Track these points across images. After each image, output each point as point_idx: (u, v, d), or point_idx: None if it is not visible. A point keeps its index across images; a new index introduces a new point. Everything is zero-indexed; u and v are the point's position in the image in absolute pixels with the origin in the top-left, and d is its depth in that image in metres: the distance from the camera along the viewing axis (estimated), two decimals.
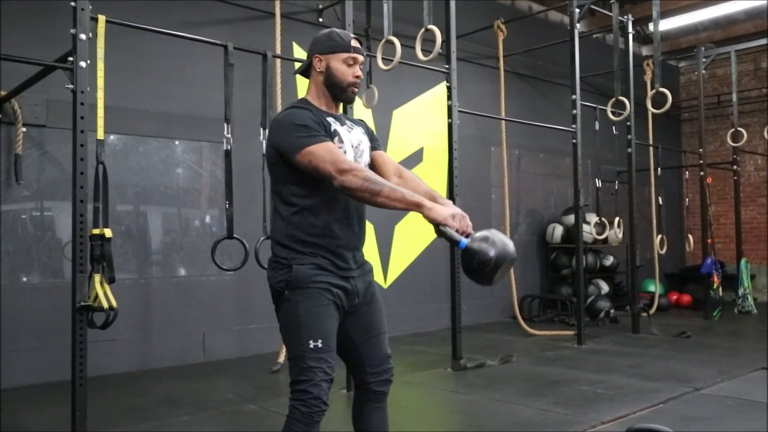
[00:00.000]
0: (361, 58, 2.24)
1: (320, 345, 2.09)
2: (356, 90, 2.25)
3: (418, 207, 1.98)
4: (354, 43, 2.24)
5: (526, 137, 8.19)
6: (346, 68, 2.21)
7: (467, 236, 2.00)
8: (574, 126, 6.28)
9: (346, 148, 2.21)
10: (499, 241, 1.97)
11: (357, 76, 2.23)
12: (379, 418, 2.32)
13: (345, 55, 2.21)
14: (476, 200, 7.55)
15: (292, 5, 6.03)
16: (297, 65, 5.96)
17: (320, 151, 2.05)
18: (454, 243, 1.98)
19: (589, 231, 7.44)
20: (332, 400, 2.46)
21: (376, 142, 2.41)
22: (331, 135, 2.17)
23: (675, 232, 10.11)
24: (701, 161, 8.44)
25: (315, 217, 2.14)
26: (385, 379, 2.30)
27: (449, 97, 5.21)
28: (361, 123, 2.41)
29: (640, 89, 8.11)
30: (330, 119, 2.22)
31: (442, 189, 7.09)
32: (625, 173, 7.22)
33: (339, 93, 2.24)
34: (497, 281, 2.01)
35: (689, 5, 8.79)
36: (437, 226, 1.96)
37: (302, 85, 6.18)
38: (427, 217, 1.97)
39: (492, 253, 1.94)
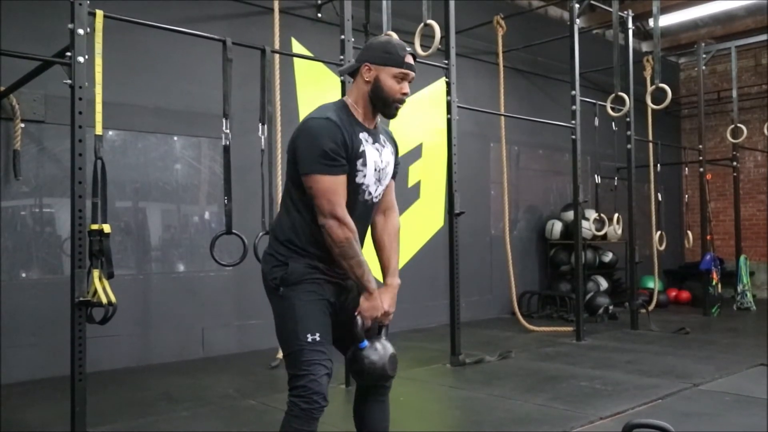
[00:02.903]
0: (412, 74, 2.17)
1: (318, 338, 2.10)
2: (401, 106, 2.19)
3: (365, 290, 2.17)
4: (408, 59, 2.16)
5: (526, 133, 8.18)
6: (395, 83, 2.14)
7: (379, 331, 2.25)
8: (573, 122, 6.28)
9: (368, 171, 2.17)
10: (383, 363, 2.21)
11: (404, 93, 2.17)
12: (380, 413, 2.32)
13: (397, 70, 2.14)
14: (475, 196, 7.55)
15: (291, 1, 6.01)
16: (295, 60, 5.98)
17: (325, 185, 2.05)
18: (357, 339, 2.18)
19: (588, 227, 7.44)
20: (331, 395, 2.46)
21: (398, 166, 2.36)
22: (356, 156, 2.12)
23: (674, 228, 10.11)
24: (701, 158, 8.43)
25: (318, 228, 2.13)
26: None
27: (448, 93, 5.21)
28: (393, 140, 2.35)
29: (640, 85, 8.10)
30: (363, 135, 2.16)
31: (441, 185, 7.10)
32: (625, 169, 7.21)
33: (382, 107, 2.19)
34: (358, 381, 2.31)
35: (689, 1, 8.78)
36: (358, 314, 2.18)
37: (302, 81, 6.18)
38: (362, 306, 2.18)
39: (371, 370, 2.20)
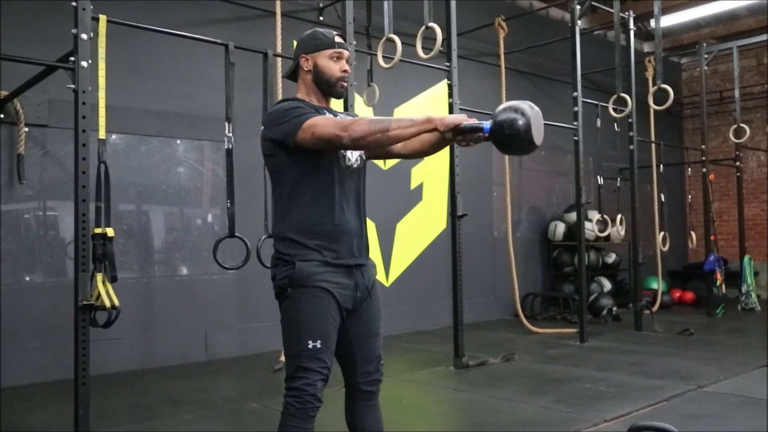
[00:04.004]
0: (346, 53, 2.28)
1: (319, 345, 2.09)
2: (345, 84, 2.29)
3: (429, 122, 1.99)
4: (338, 39, 2.28)
5: None
6: (332, 64, 2.26)
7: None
8: (575, 123, 6.28)
9: None
10: (515, 103, 1.98)
11: (344, 71, 2.27)
12: (371, 417, 2.30)
13: (330, 51, 2.26)
14: (478, 198, 7.55)
15: (293, 4, 6.01)
16: None
17: (320, 121, 2.09)
18: (477, 131, 1.98)
19: (591, 228, 7.42)
20: (333, 398, 2.46)
21: None
22: None
23: (677, 229, 10.09)
24: (703, 158, 8.41)
25: (315, 207, 2.15)
26: (375, 379, 2.29)
27: (450, 95, 5.21)
28: (353, 116, 2.43)
29: (642, 86, 8.10)
30: (324, 111, 2.25)
31: (443, 187, 7.10)
32: (627, 170, 7.21)
33: (329, 89, 2.28)
34: (537, 141, 1.97)
35: (690, 1, 8.77)
36: (454, 129, 1.99)
37: None
38: (442, 126, 1.98)
39: (517, 114, 1.94)
